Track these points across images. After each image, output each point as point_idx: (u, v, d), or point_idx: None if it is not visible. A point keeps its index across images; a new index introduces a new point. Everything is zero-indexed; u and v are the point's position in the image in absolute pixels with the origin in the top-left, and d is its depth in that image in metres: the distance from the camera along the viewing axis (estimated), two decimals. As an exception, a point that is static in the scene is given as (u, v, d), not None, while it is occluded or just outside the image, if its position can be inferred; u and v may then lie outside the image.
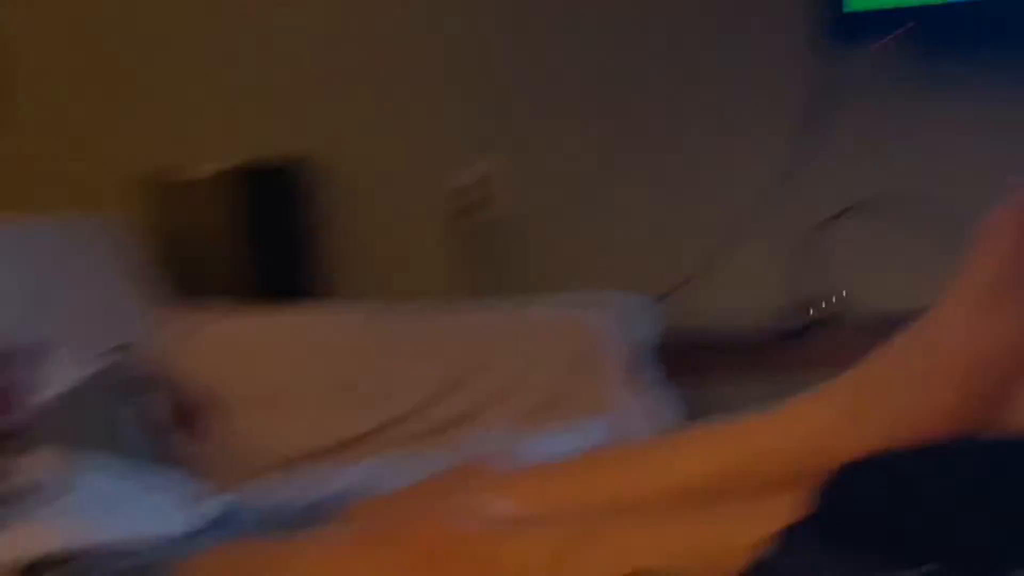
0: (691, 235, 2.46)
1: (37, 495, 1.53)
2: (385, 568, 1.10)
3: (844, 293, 2.35)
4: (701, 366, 2.29)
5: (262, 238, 2.62)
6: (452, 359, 2.28)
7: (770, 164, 2.36)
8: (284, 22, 2.85)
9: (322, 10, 2.79)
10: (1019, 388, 0.99)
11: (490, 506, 1.12)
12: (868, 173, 2.34)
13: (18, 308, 2.23)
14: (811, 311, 2.34)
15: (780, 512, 0.96)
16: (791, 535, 0.95)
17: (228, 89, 2.91)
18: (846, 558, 0.89)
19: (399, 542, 1.11)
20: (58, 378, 2.00)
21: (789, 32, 2.31)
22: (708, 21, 2.46)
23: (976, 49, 2.23)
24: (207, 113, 2.89)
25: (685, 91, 2.51)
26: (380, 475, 1.89)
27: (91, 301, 2.41)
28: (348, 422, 2.33)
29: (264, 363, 2.41)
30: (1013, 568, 0.79)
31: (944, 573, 0.78)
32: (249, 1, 2.85)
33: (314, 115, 2.79)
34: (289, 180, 2.68)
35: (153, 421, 2.10)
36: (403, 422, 2.28)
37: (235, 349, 2.42)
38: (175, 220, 2.65)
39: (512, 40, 2.61)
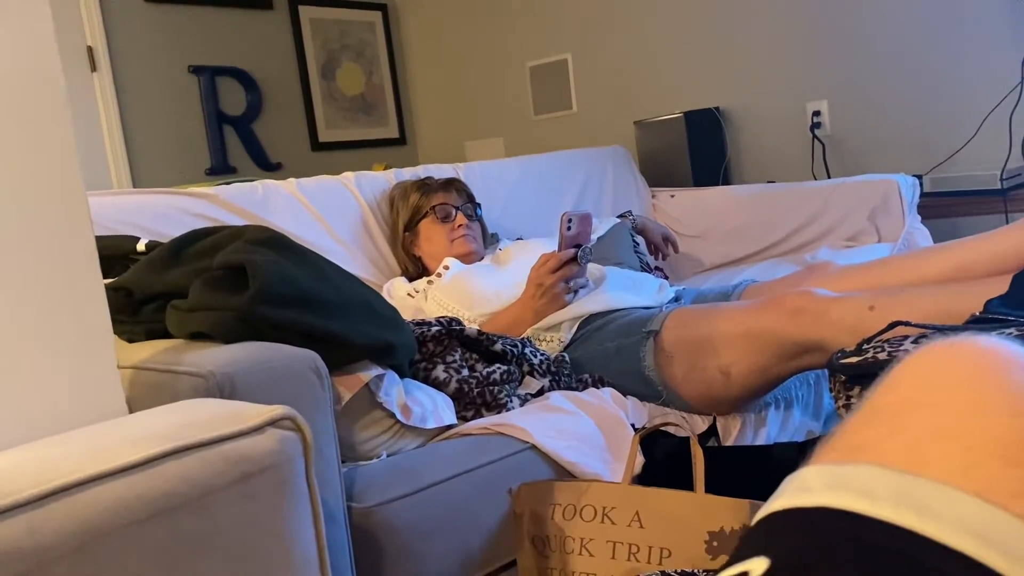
0: (943, 130, 2.55)
1: (596, 284, 1.73)
2: (767, 317, 1.40)
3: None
4: (954, 210, 2.37)
5: (696, 152, 2.80)
6: (804, 210, 2.37)
7: (998, 79, 2.41)
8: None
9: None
10: None
11: (825, 287, 1.29)
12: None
13: (580, 198, 2.54)
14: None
15: (994, 290, 1.12)
16: (990, 303, 1.09)
17: (679, 60, 3.09)
18: (1020, 314, 0.97)
19: (777, 304, 1.34)
20: (601, 227, 2.18)
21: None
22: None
23: None
24: (670, 77, 3.14)
25: (944, 47, 2.51)
26: (764, 273, 2.09)
27: (612, 190, 2.62)
28: (746, 245, 2.46)
29: (698, 217, 2.58)
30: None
31: None
32: None
33: (721, 78, 3.00)
34: (713, 120, 2.91)
35: (642, 248, 2.24)
36: (776, 245, 2.42)
37: (681, 209, 2.63)
38: (653, 144, 2.88)
39: (832, 15, 2.70)
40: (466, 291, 1.72)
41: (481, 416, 1.31)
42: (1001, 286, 1.13)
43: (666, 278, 2.21)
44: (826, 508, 0.34)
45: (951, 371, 0.38)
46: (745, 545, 0.35)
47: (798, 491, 0.35)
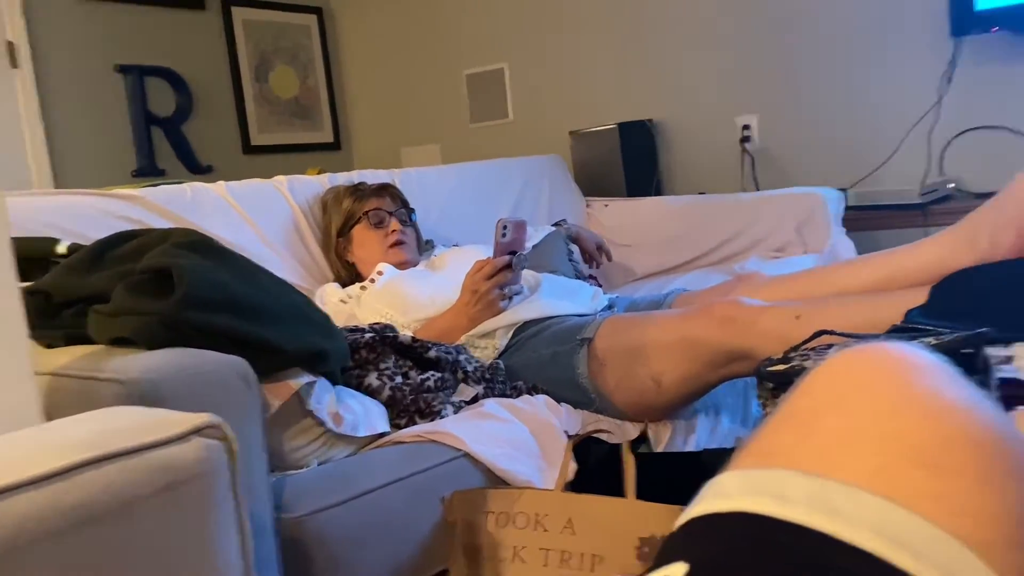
0: (867, 145, 2.64)
1: (530, 291, 1.73)
2: (698, 325, 1.33)
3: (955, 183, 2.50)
4: (876, 223, 2.43)
5: (629, 163, 2.83)
6: (734, 221, 2.42)
7: (918, 100, 2.52)
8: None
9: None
10: None
11: (753, 297, 1.30)
12: (983, 110, 2.46)
13: (516, 206, 2.54)
14: (946, 189, 2.46)
15: (914, 300, 1.14)
16: (910, 313, 1.12)
17: (615, 73, 3.14)
18: (940, 325, 0.96)
19: (707, 313, 1.34)
20: (536, 235, 2.18)
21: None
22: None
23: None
24: (605, 89, 3.17)
25: (868, 66, 2.62)
26: (695, 282, 2.12)
27: (548, 199, 2.62)
28: (678, 255, 2.48)
29: (631, 227, 2.59)
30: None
31: (993, 333, 0.82)
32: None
33: (655, 91, 3.04)
34: (646, 131, 2.95)
35: (576, 257, 2.24)
36: (707, 255, 2.45)
37: (614, 218, 2.65)
38: (587, 154, 2.90)
39: (763, 35, 2.78)
40: (400, 297, 1.70)
41: (415, 424, 1.30)
42: (921, 296, 1.15)
43: (600, 286, 2.15)
44: (743, 513, 0.34)
45: (862, 376, 0.38)
46: (665, 550, 0.36)
47: (716, 496, 0.36)
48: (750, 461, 0.37)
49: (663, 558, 0.35)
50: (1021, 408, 0.65)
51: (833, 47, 2.64)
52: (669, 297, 1.80)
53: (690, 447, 1.43)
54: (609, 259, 2.32)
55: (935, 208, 2.34)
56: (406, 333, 1.39)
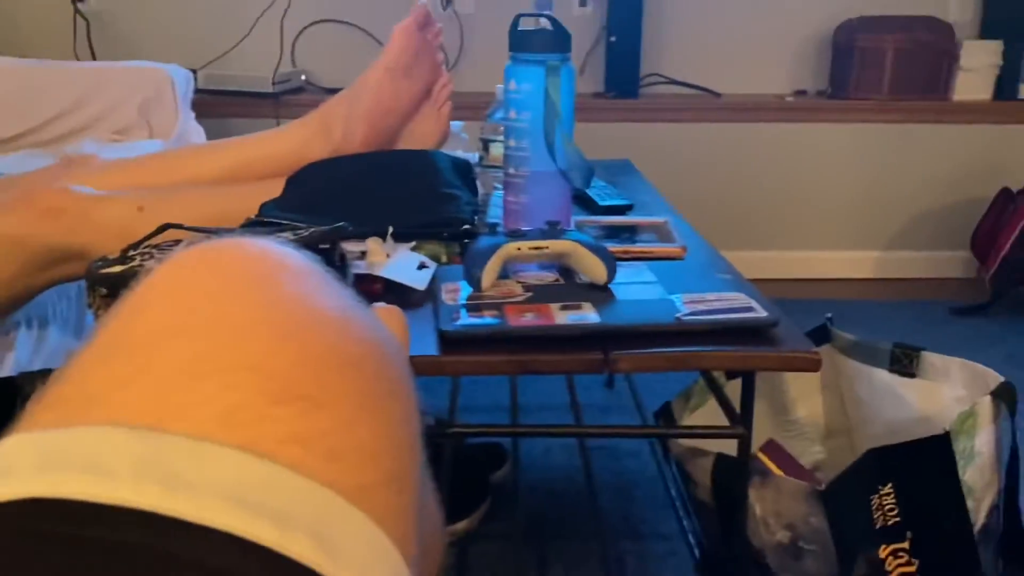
0: (218, 24, 2.55)
1: None
2: (16, 218, 1.14)
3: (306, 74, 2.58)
4: (227, 110, 2.37)
5: None
6: (65, 95, 2.13)
7: None
8: None
9: None
10: (401, 134, 1.21)
11: (88, 185, 1.18)
12: (333, 3, 2.47)
13: None
14: (298, 80, 2.50)
15: (269, 192, 1.17)
16: (264, 206, 1.09)
17: None
18: (297, 218, 0.96)
19: (27, 203, 1.19)
20: None
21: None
22: None
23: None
24: None
25: None
26: (13, 166, 1.79)
27: None
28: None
29: None
30: (384, 228, 0.94)
31: (350, 228, 0.83)
32: None
33: None
34: None
35: None
36: (30, 134, 2.11)
37: None
38: None
39: None
40: None
41: None
42: (276, 188, 1.12)
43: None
44: (38, 499, 0.23)
45: (212, 282, 0.30)
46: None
47: None
48: (53, 415, 0.26)
49: None
50: (376, 305, 0.63)
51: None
52: (-16, 181, 1.49)
53: (6, 370, 1.22)
54: None
55: (287, 99, 2.36)
56: None
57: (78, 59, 2.43)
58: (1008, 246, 2.35)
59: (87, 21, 2.46)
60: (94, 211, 1.12)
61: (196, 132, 2.16)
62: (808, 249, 2.66)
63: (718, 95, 2.58)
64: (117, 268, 0.81)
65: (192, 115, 2.19)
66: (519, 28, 0.98)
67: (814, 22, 2.60)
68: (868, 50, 2.49)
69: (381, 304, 0.52)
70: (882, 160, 2.59)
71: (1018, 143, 2.57)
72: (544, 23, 0.98)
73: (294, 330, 0.29)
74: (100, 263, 0.84)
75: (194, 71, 2.29)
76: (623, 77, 2.51)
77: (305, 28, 2.52)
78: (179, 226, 0.89)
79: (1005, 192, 2.46)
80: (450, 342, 0.74)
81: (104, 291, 0.81)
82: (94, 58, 2.46)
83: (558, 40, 0.97)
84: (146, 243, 0.87)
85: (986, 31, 2.59)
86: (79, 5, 2.43)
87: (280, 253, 0.32)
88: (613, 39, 2.48)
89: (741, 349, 0.75)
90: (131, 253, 0.85)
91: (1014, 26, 2.51)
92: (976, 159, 2.60)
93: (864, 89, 2.52)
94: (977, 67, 2.51)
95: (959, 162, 2.60)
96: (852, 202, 2.64)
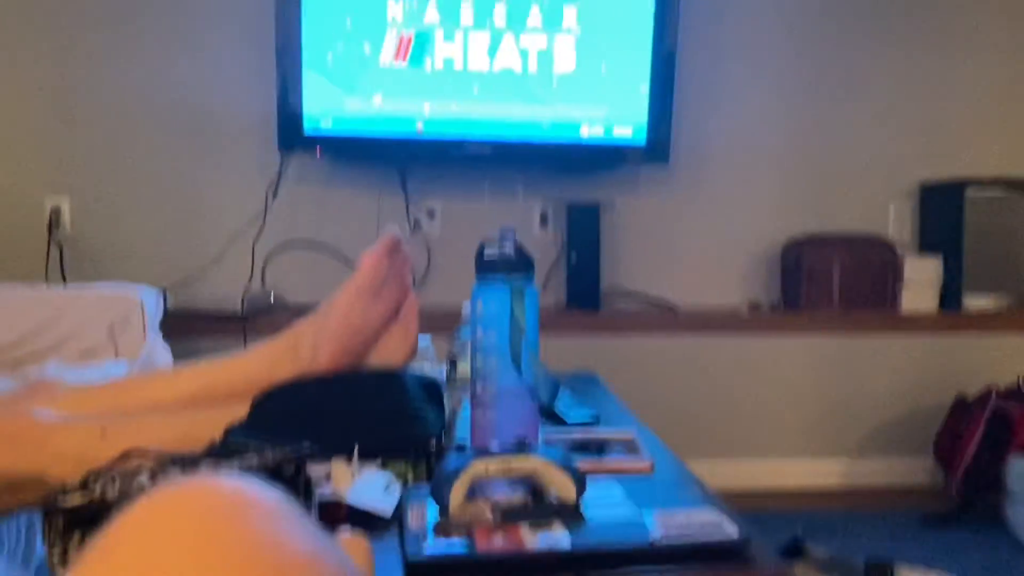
0: (190, 246, 2.62)
1: None
2: None
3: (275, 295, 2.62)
4: (196, 331, 2.39)
5: None
6: (32, 317, 2.15)
7: (246, 207, 2.59)
8: None
9: None
10: (370, 353, 1.14)
11: (49, 409, 1.10)
12: (304, 225, 2.61)
13: None
14: (267, 300, 2.56)
15: (235, 414, 1.06)
16: (230, 429, 1.04)
17: None
18: (260, 441, 0.91)
19: None
20: None
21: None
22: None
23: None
24: None
25: (197, 160, 2.62)
26: None
27: None
28: None
29: None
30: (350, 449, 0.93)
31: (315, 450, 0.81)
32: None
33: None
34: None
35: None
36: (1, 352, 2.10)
37: None
38: None
39: (83, 112, 2.58)
40: None
41: None
42: (242, 410, 1.09)
43: None
44: None
45: (182, 527, 0.32)
46: None
47: None
48: None
49: None
50: (342, 533, 0.62)
51: (166, 136, 2.58)
52: (-63, 405, 1.44)
53: (-56, 607, 1.12)
54: None
55: (256, 319, 2.42)
56: None
57: (48, 281, 2.46)
58: (971, 456, 2.37)
59: (61, 246, 2.51)
60: (54, 436, 1.04)
61: (163, 353, 2.16)
62: (774, 457, 2.67)
63: (676, 309, 2.68)
64: (77, 499, 0.78)
65: (160, 336, 2.20)
66: (484, 254, 1.02)
67: (764, 238, 2.76)
68: (816, 266, 2.63)
69: (347, 532, 0.52)
70: (838, 371, 2.66)
71: (967, 352, 2.67)
72: (508, 248, 1.03)
73: (264, 573, 0.30)
74: (59, 493, 0.81)
75: (164, 291, 2.31)
76: (585, 291, 2.61)
77: (275, 250, 2.60)
78: (143, 451, 0.85)
79: (960, 402, 2.52)
80: (417, 572, 0.72)
81: (62, 522, 0.78)
82: (64, 281, 2.49)
83: (522, 264, 1.02)
84: (110, 470, 0.84)
85: (925, 246, 2.76)
86: (54, 231, 2.48)
87: (249, 492, 0.34)
88: (573, 257, 2.61)
89: (713, 570, 0.74)
90: (92, 483, 0.82)
91: (949, 242, 2.67)
92: (929, 368, 2.67)
93: (815, 302, 2.63)
94: (920, 280, 2.64)
95: (913, 371, 2.67)
96: (813, 412, 2.68)
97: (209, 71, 2.58)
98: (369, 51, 2.43)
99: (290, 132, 2.45)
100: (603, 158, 2.63)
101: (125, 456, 0.83)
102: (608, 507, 0.84)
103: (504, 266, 1.01)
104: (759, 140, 2.79)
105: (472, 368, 1.02)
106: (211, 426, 1.04)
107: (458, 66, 2.48)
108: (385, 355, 1.25)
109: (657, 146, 2.58)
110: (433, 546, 0.75)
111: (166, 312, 2.28)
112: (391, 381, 1.13)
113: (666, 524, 0.80)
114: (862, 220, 2.77)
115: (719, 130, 2.78)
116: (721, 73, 2.77)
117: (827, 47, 2.78)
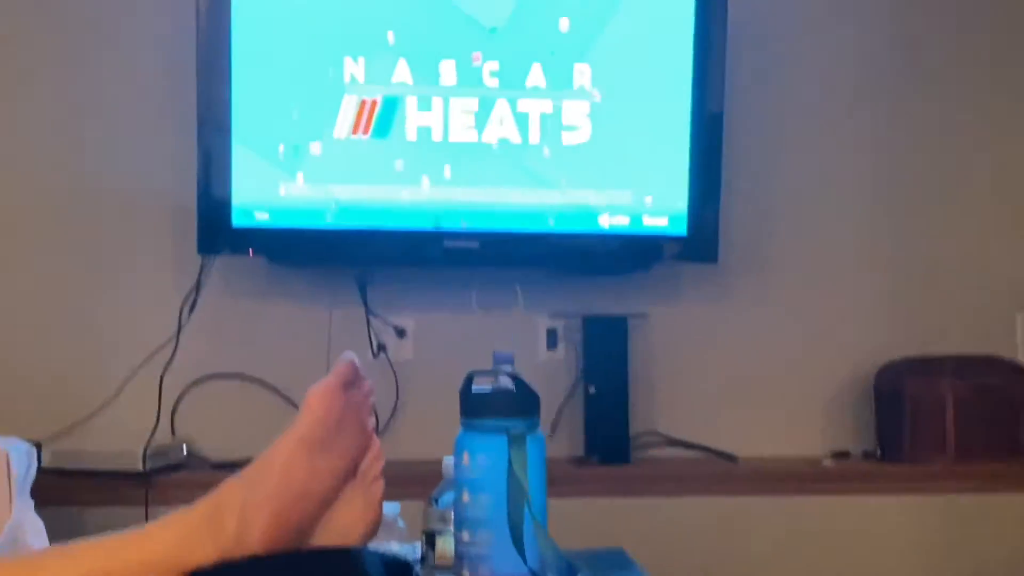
0: (76, 386, 2.62)
1: None
2: None
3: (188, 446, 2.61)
4: (81, 496, 2.35)
5: None
6: None
7: (158, 336, 2.60)
8: None
9: None
10: (318, 524, 1.12)
11: None
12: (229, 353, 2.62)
13: None
14: (179, 454, 2.52)
15: None
16: None
17: None
18: None
19: None
20: None
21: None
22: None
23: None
24: None
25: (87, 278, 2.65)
26: None
27: None
28: None
29: None
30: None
31: None
32: None
33: None
34: None
35: None
36: None
37: None
38: None
39: None
40: None
41: None
42: None
43: None
44: None
45: None
46: None
47: None
48: None
49: None
50: None
51: (50, 231, 2.60)
52: None
53: None
54: None
55: (163, 479, 2.37)
56: None
57: None
58: None
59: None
60: None
61: (33, 527, 2.07)
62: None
63: (734, 459, 2.65)
64: None
65: (31, 504, 2.13)
66: (473, 388, 1.02)
67: (850, 363, 2.74)
68: (922, 400, 2.60)
69: None
70: (952, 538, 2.59)
71: None
72: (504, 381, 1.03)
73: None
74: None
75: (37, 444, 2.27)
76: (608, 437, 2.57)
77: (191, 386, 2.58)
78: None
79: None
80: None
81: None
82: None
83: (523, 402, 1.01)
84: None
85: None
86: None
87: None
88: (592, 389, 2.58)
89: None
90: None
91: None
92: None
93: (922, 449, 2.60)
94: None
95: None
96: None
97: (109, 143, 2.61)
98: (320, 121, 2.45)
99: (213, 226, 2.44)
100: (630, 256, 2.61)
101: None
102: None
103: (499, 405, 1.00)
104: (840, 231, 2.80)
105: (457, 547, 1.01)
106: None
107: (436, 137, 2.50)
108: (339, 527, 1.20)
109: (702, 239, 2.57)
110: None
111: (40, 471, 2.21)
112: (346, 565, 1.07)
113: None
114: (980, 338, 2.77)
115: (784, 217, 2.80)
116: (784, 142, 2.80)
117: (930, 114, 2.81)
